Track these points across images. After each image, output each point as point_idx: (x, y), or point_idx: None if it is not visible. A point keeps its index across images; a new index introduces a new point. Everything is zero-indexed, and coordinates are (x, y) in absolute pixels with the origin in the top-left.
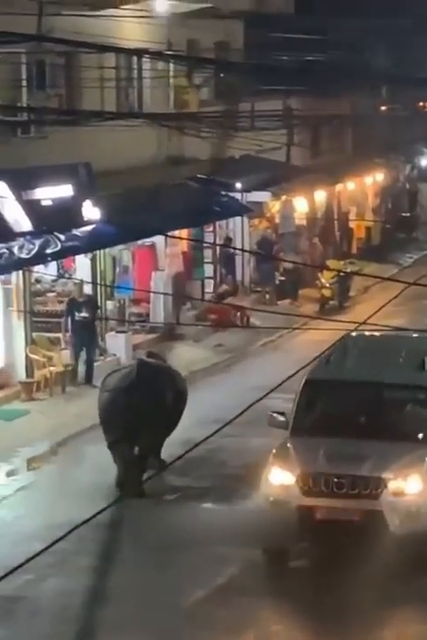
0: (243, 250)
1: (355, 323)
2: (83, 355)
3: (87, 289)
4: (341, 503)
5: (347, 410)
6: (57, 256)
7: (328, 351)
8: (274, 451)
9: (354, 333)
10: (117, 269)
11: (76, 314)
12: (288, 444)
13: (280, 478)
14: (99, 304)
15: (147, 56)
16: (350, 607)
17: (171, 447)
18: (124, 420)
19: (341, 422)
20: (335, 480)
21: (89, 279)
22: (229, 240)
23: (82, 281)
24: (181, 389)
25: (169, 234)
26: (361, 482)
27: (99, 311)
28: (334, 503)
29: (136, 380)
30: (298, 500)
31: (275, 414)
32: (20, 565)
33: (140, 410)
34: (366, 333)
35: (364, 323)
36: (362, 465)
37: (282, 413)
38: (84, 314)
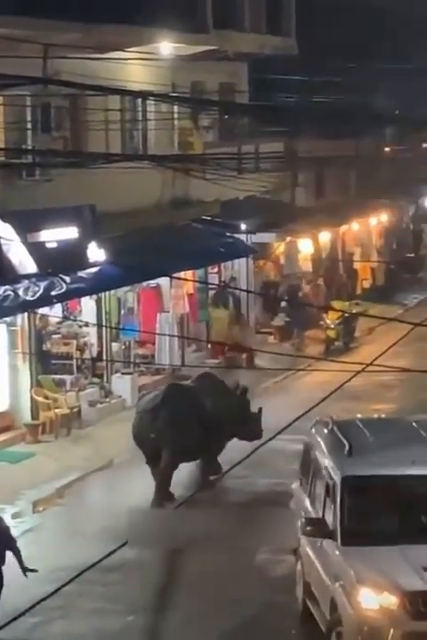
0: (248, 291)
1: (361, 364)
2: None
3: (92, 331)
4: None
5: (405, 508)
6: (62, 298)
7: (330, 436)
8: (350, 568)
9: (335, 417)
10: (122, 311)
11: None
12: (361, 558)
13: (376, 601)
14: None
15: (151, 98)
16: None
17: (177, 489)
18: (148, 439)
19: (405, 524)
20: None
21: (94, 321)
22: (233, 281)
23: (87, 323)
24: (212, 415)
25: (174, 275)
26: None
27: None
28: None
29: (160, 402)
30: (406, 625)
31: (310, 519)
32: (28, 610)
33: (161, 430)
34: (351, 418)
35: (371, 364)
36: None
37: (320, 520)
38: None
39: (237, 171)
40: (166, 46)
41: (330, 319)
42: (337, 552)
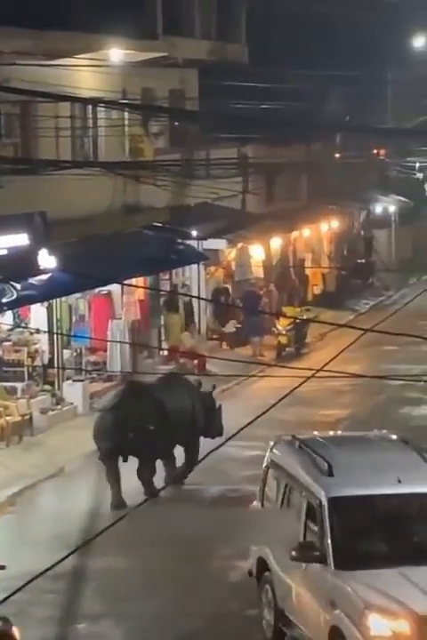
0: (199, 297)
1: (311, 369)
2: None
3: (44, 338)
4: None
5: (396, 529)
6: (13, 305)
7: (300, 454)
8: (353, 593)
9: (297, 435)
10: (74, 318)
11: None
12: (361, 582)
13: (387, 627)
14: None
15: (102, 105)
16: None
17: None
18: (107, 437)
19: (399, 545)
20: None
21: (45, 328)
22: (185, 288)
23: (38, 330)
24: (171, 410)
25: (125, 282)
26: None
27: None
28: None
29: (119, 401)
30: None
31: (305, 543)
32: None
33: (121, 428)
34: (312, 435)
35: (322, 369)
36: None
37: (308, 543)
38: None
39: (187, 177)
40: (116, 53)
41: (281, 325)
42: (330, 577)
